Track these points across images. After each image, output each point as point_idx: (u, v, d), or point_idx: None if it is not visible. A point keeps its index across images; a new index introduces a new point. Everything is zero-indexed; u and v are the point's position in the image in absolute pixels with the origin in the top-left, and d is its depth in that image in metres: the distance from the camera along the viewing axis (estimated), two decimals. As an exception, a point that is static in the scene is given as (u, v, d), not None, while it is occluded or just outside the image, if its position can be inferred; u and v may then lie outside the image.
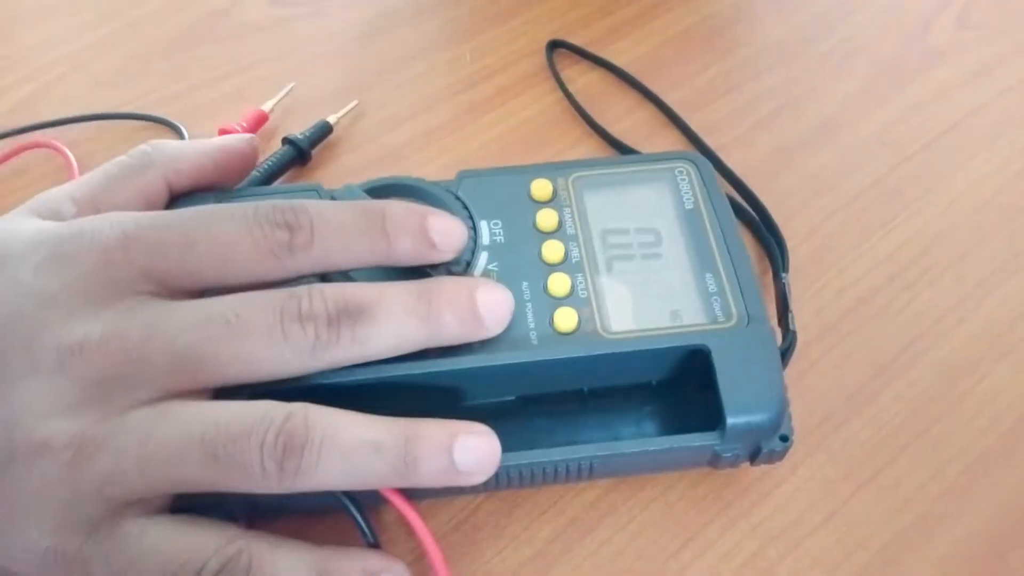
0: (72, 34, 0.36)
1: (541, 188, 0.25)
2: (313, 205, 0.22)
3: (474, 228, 0.24)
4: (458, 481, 0.20)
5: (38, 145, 0.31)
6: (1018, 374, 0.27)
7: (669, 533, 0.24)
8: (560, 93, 0.34)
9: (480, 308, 0.21)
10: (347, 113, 0.32)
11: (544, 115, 0.33)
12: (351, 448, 0.19)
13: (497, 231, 0.25)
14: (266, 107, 0.32)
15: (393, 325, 0.21)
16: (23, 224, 0.21)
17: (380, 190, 0.24)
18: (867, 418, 0.26)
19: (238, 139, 0.25)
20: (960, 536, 0.24)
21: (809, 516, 0.24)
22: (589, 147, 0.32)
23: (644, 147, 0.32)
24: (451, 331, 0.21)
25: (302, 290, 0.21)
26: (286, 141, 0.30)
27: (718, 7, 0.37)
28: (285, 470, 0.19)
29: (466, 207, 0.25)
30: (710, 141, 0.31)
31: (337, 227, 0.21)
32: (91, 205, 0.23)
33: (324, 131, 0.31)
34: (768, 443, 0.22)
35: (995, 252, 0.29)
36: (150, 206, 0.23)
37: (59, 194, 0.23)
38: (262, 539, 0.19)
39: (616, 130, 0.32)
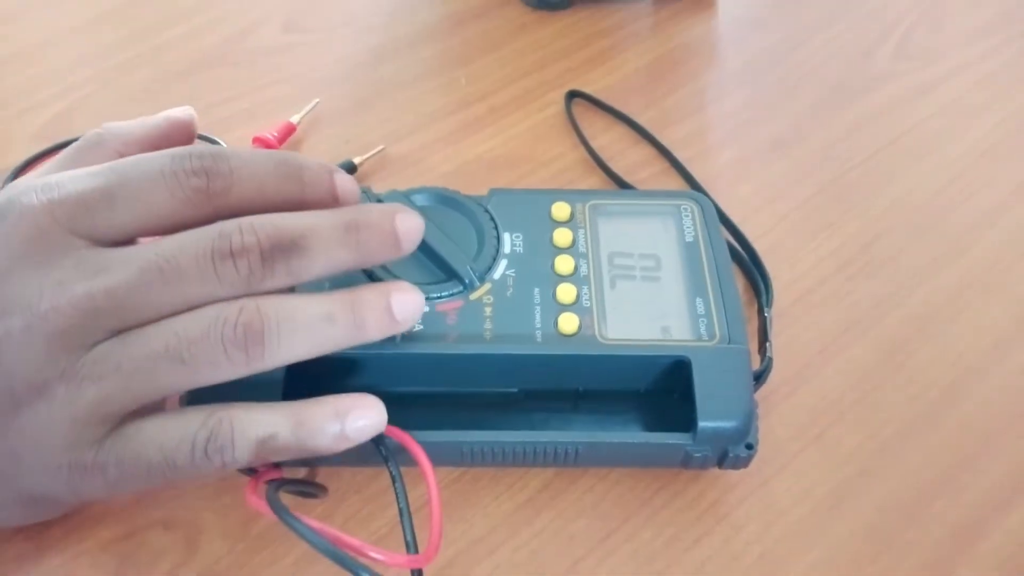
0: (99, 56, 0.40)
1: (560, 210, 0.29)
2: (230, 152, 0.23)
3: (498, 239, 0.28)
4: (397, 329, 0.24)
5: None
6: (944, 352, 0.30)
7: (643, 483, 0.27)
8: (546, 113, 0.38)
9: (400, 236, 0.24)
10: (373, 156, 0.35)
11: (533, 131, 0.37)
12: (308, 323, 0.22)
13: (518, 243, 0.28)
14: (294, 119, 0.36)
15: (324, 256, 0.23)
16: None
17: (416, 197, 0.28)
18: (814, 387, 0.29)
19: (180, 110, 0.27)
20: (893, 486, 0.27)
21: (762, 469, 0.27)
22: (572, 160, 0.36)
23: (618, 159, 0.36)
24: (375, 256, 0.24)
25: (231, 226, 0.22)
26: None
27: (683, 39, 0.42)
28: (252, 355, 0.22)
29: (493, 219, 0.28)
30: (677, 154, 0.36)
31: (255, 174, 0.23)
32: None
33: (349, 170, 0.34)
34: (735, 449, 0.25)
35: (927, 248, 0.33)
36: None
37: (24, 181, 0.25)
38: (238, 406, 0.22)
39: (595, 144, 0.36)
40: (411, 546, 0.22)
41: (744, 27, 0.43)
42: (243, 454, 0.22)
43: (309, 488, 0.25)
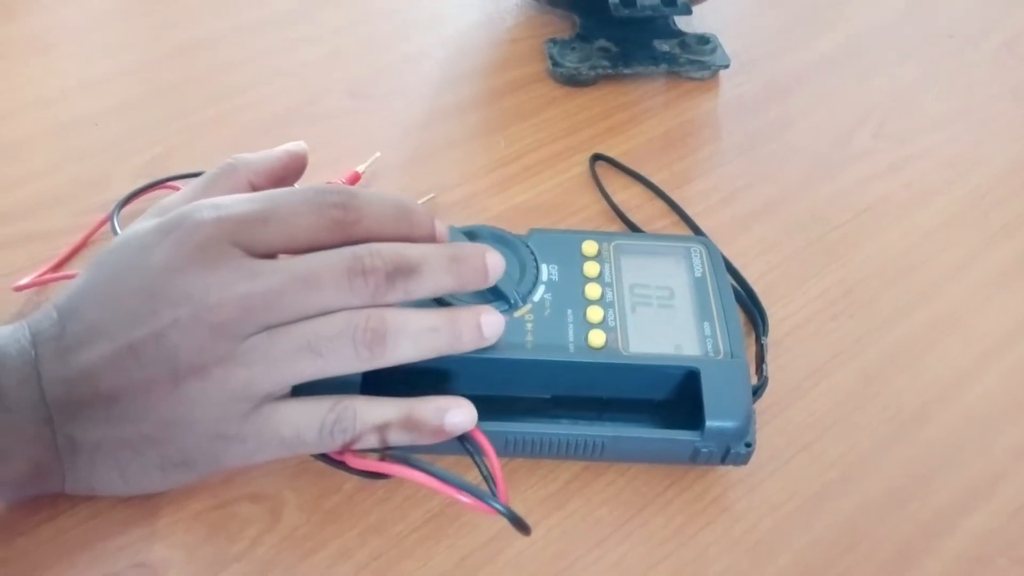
0: (188, 112, 0.46)
1: (590, 247, 0.35)
2: (361, 192, 0.29)
3: (537, 268, 0.33)
4: (484, 343, 0.29)
5: (167, 187, 0.40)
6: (915, 381, 0.36)
7: (657, 478, 0.32)
8: (573, 172, 0.44)
9: (489, 269, 0.30)
10: (425, 200, 0.41)
11: (562, 187, 0.43)
12: (419, 332, 0.28)
13: (554, 273, 0.34)
14: (359, 169, 0.42)
15: (432, 281, 0.28)
16: (148, 221, 0.29)
17: (472, 233, 0.34)
18: (803, 406, 0.34)
19: (295, 144, 0.34)
20: (870, 490, 0.32)
21: (759, 471, 0.32)
22: (595, 211, 0.42)
23: (635, 212, 0.42)
24: (469, 284, 0.29)
25: (362, 251, 0.27)
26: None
27: (691, 115, 0.48)
28: (374, 353, 0.27)
29: (533, 253, 0.34)
30: (687, 210, 0.42)
31: (379, 212, 0.29)
32: None
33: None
34: (736, 446, 0.30)
35: (899, 295, 0.39)
36: None
37: (170, 200, 0.31)
38: (360, 398, 0.28)
39: (616, 199, 0.42)
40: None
41: (743, 108, 0.49)
42: (362, 436, 0.27)
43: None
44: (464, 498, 0.26)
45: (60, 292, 0.29)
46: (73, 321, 0.27)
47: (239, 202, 0.28)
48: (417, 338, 0.28)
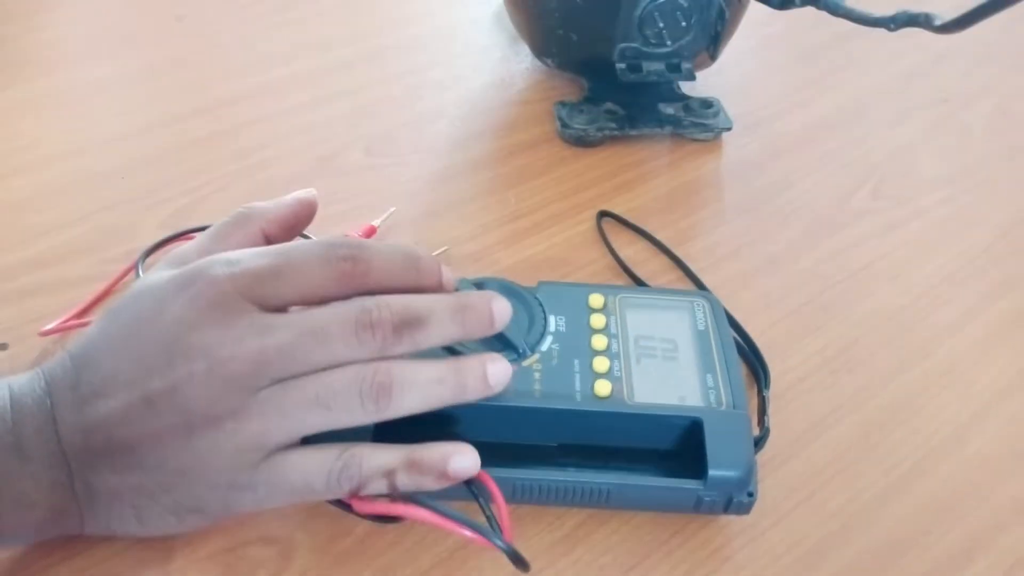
0: (214, 165, 0.48)
1: (596, 299, 0.36)
2: (370, 244, 0.30)
3: (545, 319, 0.35)
4: (490, 392, 0.29)
5: (189, 238, 0.42)
6: (913, 435, 0.36)
7: (660, 527, 0.33)
8: (581, 228, 0.46)
9: (495, 317, 0.30)
10: (439, 253, 0.43)
11: (570, 242, 0.45)
12: (424, 384, 0.28)
13: (561, 324, 0.35)
14: (375, 223, 0.43)
15: (439, 331, 0.29)
16: (164, 272, 0.30)
17: (482, 285, 0.35)
18: (804, 458, 0.35)
19: (305, 192, 0.34)
20: (869, 541, 0.33)
21: (760, 521, 0.33)
22: (602, 266, 0.43)
23: (640, 267, 0.43)
24: (475, 332, 0.30)
25: (370, 303, 0.28)
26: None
27: (695, 175, 0.50)
28: (380, 407, 0.28)
29: (541, 305, 0.35)
30: (690, 266, 0.43)
31: (388, 263, 0.30)
32: (207, 255, 0.29)
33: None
34: (738, 495, 0.31)
35: (897, 351, 0.40)
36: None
37: (185, 249, 0.32)
38: (365, 445, 0.29)
39: (621, 254, 0.44)
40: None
41: (746, 168, 0.51)
42: (369, 483, 0.28)
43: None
44: (466, 532, 0.27)
45: (75, 340, 0.30)
46: (88, 371, 0.28)
47: (252, 257, 0.29)
48: (423, 390, 0.29)
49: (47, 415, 0.28)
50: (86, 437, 0.28)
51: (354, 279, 0.29)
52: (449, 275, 0.32)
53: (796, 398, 0.38)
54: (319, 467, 0.28)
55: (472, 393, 0.30)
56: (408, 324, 0.29)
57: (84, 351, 0.29)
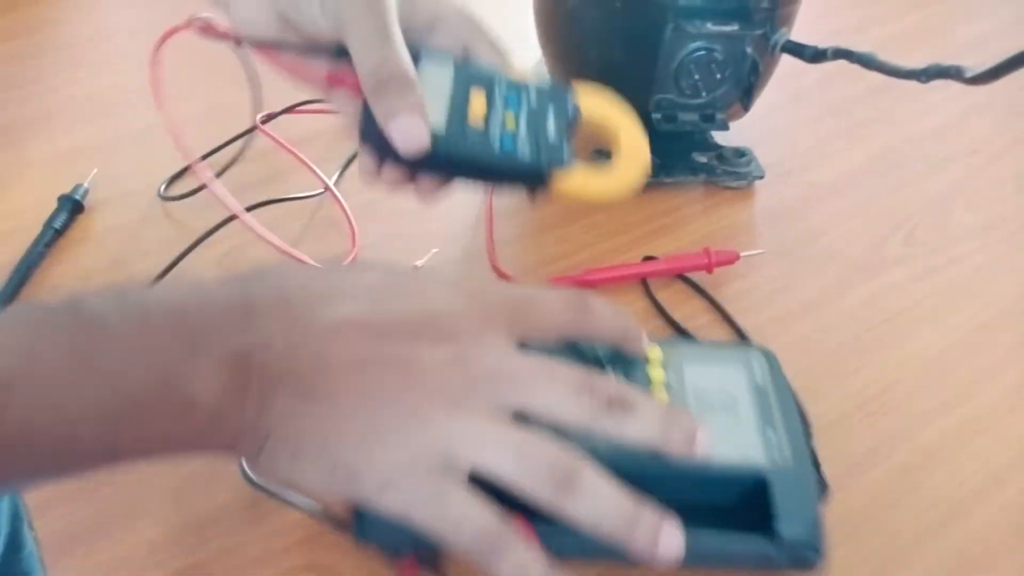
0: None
1: (654, 352, 0.35)
2: (593, 300, 0.33)
3: (602, 370, 0.34)
4: (655, 561, 0.28)
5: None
6: (950, 478, 0.37)
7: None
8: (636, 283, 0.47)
9: (697, 445, 0.30)
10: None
11: (608, 285, 0.46)
12: (603, 499, 0.28)
13: (620, 377, 0.34)
14: (418, 263, 0.45)
15: (642, 425, 0.30)
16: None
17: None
18: (841, 499, 0.36)
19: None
20: (910, 583, 0.33)
21: (800, 560, 0.33)
22: (639, 308, 0.44)
23: (677, 309, 0.44)
24: (673, 448, 0.30)
25: (598, 376, 0.30)
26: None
27: (729, 221, 0.51)
28: (556, 495, 0.28)
29: (599, 358, 0.35)
30: (726, 308, 0.44)
31: (605, 321, 0.33)
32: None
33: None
34: (806, 553, 0.30)
35: (933, 396, 0.40)
36: None
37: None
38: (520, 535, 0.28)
39: (658, 296, 0.45)
40: None
41: (779, 215, 0.52)
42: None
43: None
44: None
45: (330, 260, 0.32)
46: (327, 305, 0.29)
47: (515, 289, 0.34)
48: (597, 510, 0.28)
49: (250, 323, 0.27)
50: (294, 353, 0.27)
51: (579, 326, 0.32)
52: (646, 346, 0.35)
53: (830, 444, 0.38)
54: (474, 522, 0.27)
55: (636, 545, 0.28)
56: (621, 405, 0.30)
57: (331, 279, 0.30)
